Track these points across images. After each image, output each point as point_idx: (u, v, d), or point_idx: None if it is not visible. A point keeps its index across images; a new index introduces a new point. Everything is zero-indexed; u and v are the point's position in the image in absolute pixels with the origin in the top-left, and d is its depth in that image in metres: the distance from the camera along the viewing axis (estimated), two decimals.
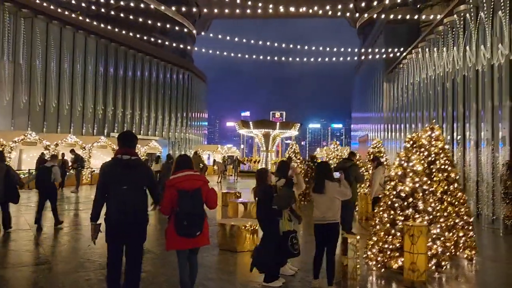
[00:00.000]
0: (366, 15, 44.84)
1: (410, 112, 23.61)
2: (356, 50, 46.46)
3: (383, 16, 29.37)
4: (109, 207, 4.44)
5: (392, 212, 6.93)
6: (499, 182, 11.84)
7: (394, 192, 7.00)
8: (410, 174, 6.99)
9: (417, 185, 6.93)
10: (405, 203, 6.87)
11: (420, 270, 6.00)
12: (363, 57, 42.61)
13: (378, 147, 14.47)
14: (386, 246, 6.80)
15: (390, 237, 6.81)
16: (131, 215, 4.37)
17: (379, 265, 6.81)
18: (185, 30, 51.75)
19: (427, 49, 19.92)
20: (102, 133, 36.36)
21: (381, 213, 7.08)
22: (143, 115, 44.05)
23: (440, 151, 8.11)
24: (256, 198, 6.27)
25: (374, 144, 14.62)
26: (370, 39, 36.96)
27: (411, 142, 7.91)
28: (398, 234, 6.74)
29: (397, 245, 6.70)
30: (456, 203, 7.83)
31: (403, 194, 6.93)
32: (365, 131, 41.73)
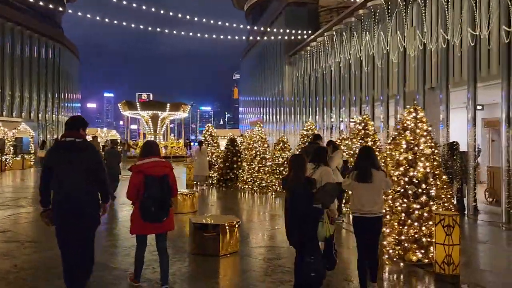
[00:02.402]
0: None
1: (315, 97, 24.15)
2: (244, 32, 46.24)
3: None
4: (53, 195, 4.26)
5: (405, 200, 6.37)
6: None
7: (406, 179, 6.45)
8: (422, 159, 6.51)
9: (428, 169, 6.48)
10: (420, 190, 6.37)
11: (455, 262, 5.54)
12: (254, 38, 42.48)
13: (312, 129, 14.16)
14: (402, 237, 6.24)
15: (406, 227, 6.27)
16: (77, 201, 4.19)
17: (395, 259, 6.22)
18: None
19: (341, 33, 20.21)
20: None
21: (389, 201, 6.49)
22: (5, 94, 37.10)
23: (425, 133, 7.87)
24: (290, 193, 5.00)
25: (307, 126, 14.24)
26: (265, 21, 36.87)
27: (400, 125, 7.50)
28: (416, 224, 6.23)
29: (415, 236, 6.19)
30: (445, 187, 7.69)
31: (415, 180, 6.42)
32: (258, 114, 41.99)
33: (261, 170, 15.69)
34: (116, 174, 11.96)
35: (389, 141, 9.44)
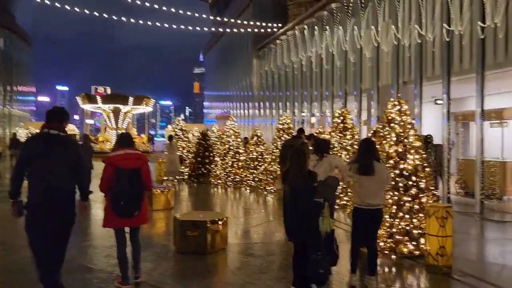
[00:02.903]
0: None
1: (285, 91, 24.12)
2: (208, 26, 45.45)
3: None
4: (30, 188, 4.00)
5: (396, 192, 6.37)
6: None
7: (397, 171, 6.44)
8: (412, 151, 6.53)
9: (417, 162, 6.51)
10: (410, 182, 6.38)
11: (448, 254, 5.58)
12: (218, 31, 41.91)
13: (288, 123, 14.05)
14: (394, 230, 6.23)
15: (397, 220, 6.27)
16: (60, 197, 3.99)
17: (386, 252, 6.22)
18: None
19: (312, 27, 20.19)
20: None
21: None
22: None
23: (409, 126, 7.93)
24: (291, 187, 4.81)
25: (282, 120, 14.11)
26: (231, 14, 36.40)
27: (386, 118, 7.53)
28: (407, 216, 6.24)
29: (407, 228, 6.20)
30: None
31: (406, 173, 6.43)
32: (224, 109, 41.56)
33: (235, 165, 15.47)
34: (89, 169, 11.44)
35: (369, 134, 9.51)
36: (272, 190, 13.38)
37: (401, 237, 6.21)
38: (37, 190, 3.99)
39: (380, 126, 8.09)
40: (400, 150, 6.57)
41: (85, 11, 25.61)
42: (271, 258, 6.36)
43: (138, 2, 25.48)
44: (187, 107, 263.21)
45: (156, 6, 27.36)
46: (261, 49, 28.00)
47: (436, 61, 11.78)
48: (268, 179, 13.82)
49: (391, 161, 6.55)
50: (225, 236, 6.75)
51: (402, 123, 7.56)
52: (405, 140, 6.62)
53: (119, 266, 4.84)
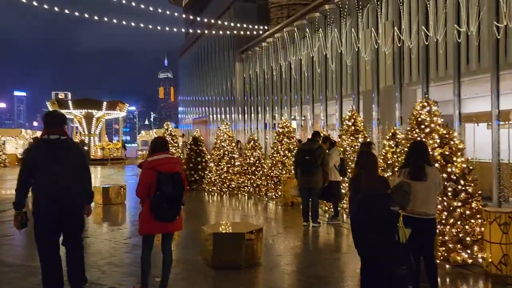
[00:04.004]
0: None
1: (271, 95, 23.69)
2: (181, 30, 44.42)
3: None
4: (36, 195, 4.02)
5: (444, 198, 5.99)
6: None
7: (445, 175, 6.07)
8: (458, 154, 6.18)
9: (464, 165, 6.17)
10: (459, 187, 6.03)
11: None
12: (194, 34, 41.06)
13: (288, 126, 13.59)
14: (446, 238, 5.84)
15: (448, 227, 5.89)
16: (63, 202, 3.99)
17: (438, 261, 5.81)
18: None
19: (303, 29, 19.89)
20: None
21: None
22: None
23: (439, 127, 7.63)
24: (364, 194, 4.31)
25: (282, 123, 13.63)
26: (209, 17, 35.64)
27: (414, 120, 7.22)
28: (459, 223, 5.87)
29: (460, 235, 5.83)
30: None
31: (453, 177, 6.07)
32: (201, 114, 40.68)
33: (230, 171, 14.87)
34: None
35: (387, 137, 9.17)
36: (274, 196, 12.88)
37: (454, 245, 5.83)
38: (44, 197, 3.97)
39: (408, 128, 7.77)
40: (446, 152, 6.21)
41: (45, 6, 24.03)
42: (312, 270, 5.84)
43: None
44: (152, 113, 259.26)
45: (123, 1, 26.45)
46: (244, 52, 27.51)
47: (442, 62, 11.68)
48: (269, 184, 13.31)
49: (436, 165, 6.18)
50: (259, 249, 6.17)
51: (432, 125, 7.28)
52: (451, 142, 6.27)
53: (141, 270, 4.72)
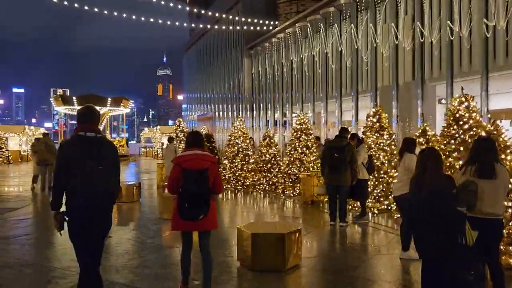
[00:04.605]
0: None
1: (282, 92, 23.37)
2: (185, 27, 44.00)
3: None
4: (73, 194, 3.89)
5: None
6: None
7: None
8: (507, 151, 5.88)
9: None
10: (510, 186, 5.72)
11: None
12: (199, 31, 40.67)
13: (305, 123, 13.29)
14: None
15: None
16: (99, 202, 3.92)
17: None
18: None
19: (317, 24, 19.51)
20: None
21: None
22: None
23: (477, 124, 7.34)
24: (428, 194, 4.02)
25: (300, 119, 13.31)
26: (214, 13, 35.20)
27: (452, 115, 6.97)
28: (511, 223, 5.58)
29: None
30: None
31: None
32: (205, 111, 40.33)
33: (245, 168, 14.59)
34: None
35: (417, 134, 8.88)
36: (292, 194, 12.60)
37: (505, 247, 5.54)
38: (78, 196, 3.88)
39: (445, 125, 7.51)
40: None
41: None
42: (356, 273, 5.56)
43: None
44: (151, 110, 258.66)
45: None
46: (253, 48, 27.14)
47: (466, 57, 11.39)
48: (287, 182, 13.03)
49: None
50: (299, 251, 5.89)
51: (471, 121, 7.02)
52: (499, 139, 5.97)
53: (181, 268, 4.64)
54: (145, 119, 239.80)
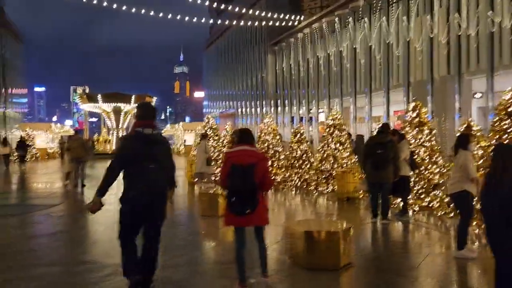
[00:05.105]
0: None
1: (308, 87, 23.16)
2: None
3: None
4: (128, 188, 4.17)
5: None
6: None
7: None
8: None
9: None
10: None
11: None
12: (220, 28, 40.63)
13: (339, 119, 13.12)
14: None
15: None
16: (154, 196, 4.19)
17: None
18: None
19: (345, 19, 19.21)
20: None
21: None
22: None
23: None
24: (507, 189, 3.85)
25: (333, 115, 13.14)
26: (236, 9, 35.12)
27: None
28: None
29: None
30: None
31: None
32: (227, 108, 40.37)
33: (275, 165, 14.50)
34: None
35: (461, 129, 8.64)
36: (325, 191, 12.46)
37: None
38: (134, 190, 4.12)
39: (496, 119, 7.28)
40: None
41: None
42: (414, 273, 5.42)
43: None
44: (168, 107, 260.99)
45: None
46: (277, 44, 26.97)
47: (507, 50, 11.00)
48: (319, 179, 12.90)
49: None
50: (350, 249, 5.78)
51: None
52: None
53: (236, 264, 4.63)
54: (163, 117, 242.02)
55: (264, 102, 29.81)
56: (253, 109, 32.00)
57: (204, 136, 15.22)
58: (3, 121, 41.29)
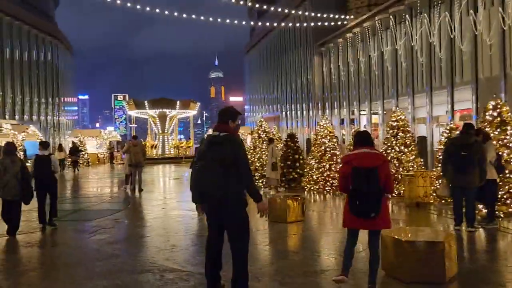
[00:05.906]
0: None
1: (358, 89, 22.51)
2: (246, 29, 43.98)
3: None
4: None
5: None
6: None
7: None
8: None
9: None
10: None
11: None
12: (261, 32, 40.48)
13: (403, 119, 12.51)
14: None
15: None
16: (208, 198, 4.27)
17: None
18: None
19: (400, 16, 18.46)
20: None
21: None
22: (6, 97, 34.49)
23: None
24: None
25: (396, 115, 12.54)
26: (278, 11, 34.81)
27: None
28: None
29: None
30: None
31: None
32: (270, 111, 40.15)
33: (333, 168, 14.02)
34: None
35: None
36: (390, 196, 11.87)
37: None
38: (194, 192, 4.37)
39: None
40: None
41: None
42: None
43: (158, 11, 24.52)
44: (204, 112, 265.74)
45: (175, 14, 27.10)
46: (324, 44, 26.42)
47: None
48: None
49: None
50: (455, 261, 5.28)
51: None
52: None
53: (343, 257, 4.72)
54: (199, 121, 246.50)
55: (310, 105, 29.30)
56: (298, 112, 31.53)
57: (271, 141, 14.82)
58: (57, 128, 43.09)
